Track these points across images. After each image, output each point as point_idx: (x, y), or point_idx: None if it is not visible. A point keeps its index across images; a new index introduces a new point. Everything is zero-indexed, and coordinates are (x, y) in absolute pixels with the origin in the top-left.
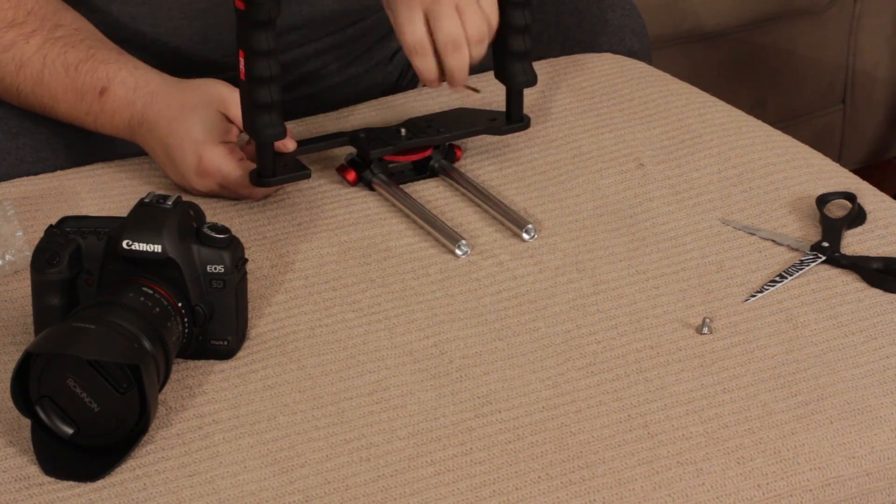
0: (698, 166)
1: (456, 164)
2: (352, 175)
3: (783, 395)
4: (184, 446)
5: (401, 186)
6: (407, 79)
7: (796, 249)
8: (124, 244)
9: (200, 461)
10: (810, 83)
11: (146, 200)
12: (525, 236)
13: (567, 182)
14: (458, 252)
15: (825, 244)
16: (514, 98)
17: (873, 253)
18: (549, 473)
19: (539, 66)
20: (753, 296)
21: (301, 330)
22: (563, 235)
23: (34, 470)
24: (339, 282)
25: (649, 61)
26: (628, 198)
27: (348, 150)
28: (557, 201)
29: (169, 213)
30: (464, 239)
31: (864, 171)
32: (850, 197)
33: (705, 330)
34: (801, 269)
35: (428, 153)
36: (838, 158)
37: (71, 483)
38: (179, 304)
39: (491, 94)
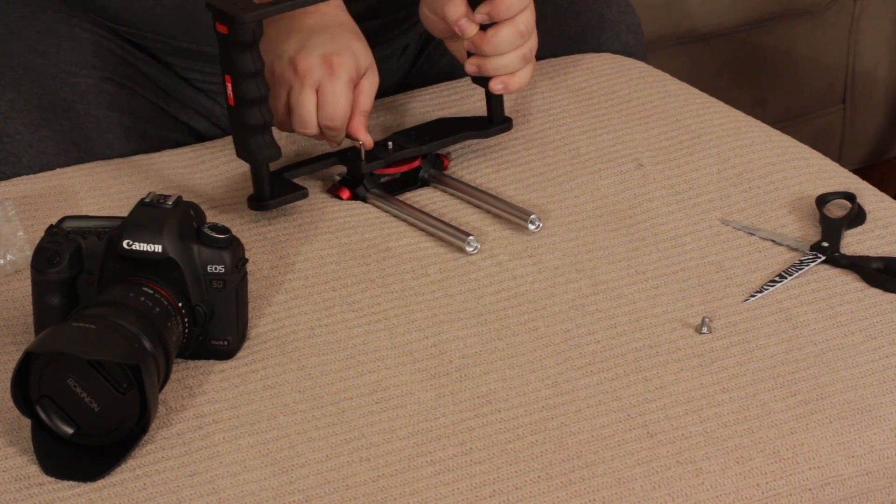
0: (697, 167)
1: (452, 170)
2: (346, 193)
3: (782, 395)
4: (184, 446)
5: (395, 197)
6: (415, 69)
7: (796, 249)
8: (125, 244)
9: (200, 461)
10: (810, 83)
11: (147, 200)
12: (531, 227)
13: (566, 183)
14: (469, 248)
15: (825, 244)
16: (493, 100)
17: (873, 253)
18: (549, 473)
19: (537, 67)
20: (753, 296)
21: (301, 330)
22: (562, 236)
23: (34, 470)
24: (338, 282)
25: (644, 58)
26: (627, 198)
27: (339, 169)
28: (556, 202)
29: (169, 213)
30: (472, 235)
31: (864, 171)
32: (849, 197)
33: (705, 330)
34: (800, 269)
35: (417, 164)
36: (838, 158)
37: (71, 483)
38: (180, 304)
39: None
